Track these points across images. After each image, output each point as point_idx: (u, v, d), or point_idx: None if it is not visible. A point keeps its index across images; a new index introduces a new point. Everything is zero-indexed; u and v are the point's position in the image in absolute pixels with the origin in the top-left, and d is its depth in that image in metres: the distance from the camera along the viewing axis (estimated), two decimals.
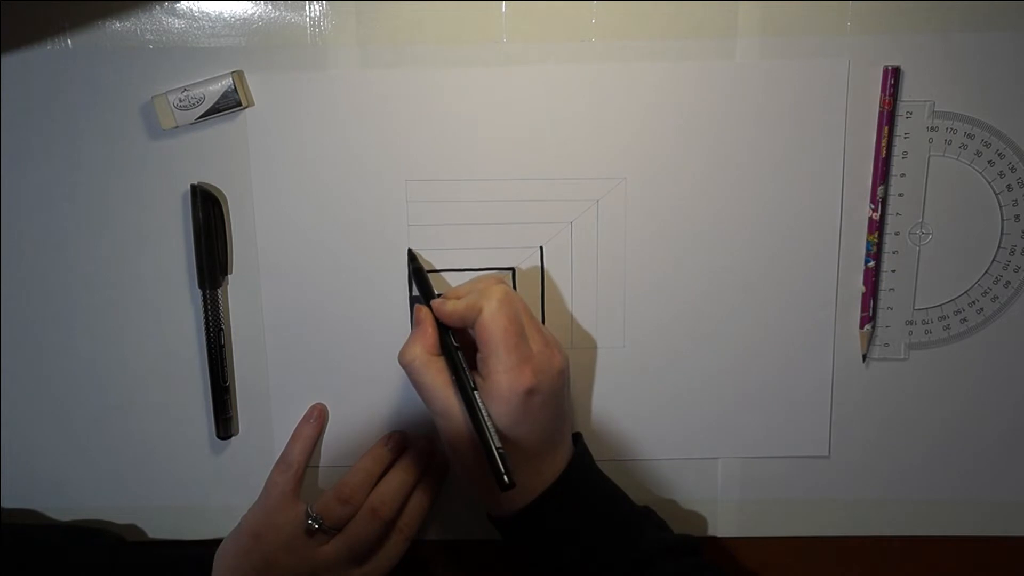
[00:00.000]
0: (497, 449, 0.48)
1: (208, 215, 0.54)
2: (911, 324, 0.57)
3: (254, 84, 0.53)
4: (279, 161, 0.54)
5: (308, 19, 0.53)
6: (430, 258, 0.56)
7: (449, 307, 0.51)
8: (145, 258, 0.56)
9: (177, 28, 0.53)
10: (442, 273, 0.56)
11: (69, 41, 0.53)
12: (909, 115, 0.54)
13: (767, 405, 0.58)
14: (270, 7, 0.53)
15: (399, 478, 0.55)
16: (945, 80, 0.54)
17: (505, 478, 0.47)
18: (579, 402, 0.58)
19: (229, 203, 0.55)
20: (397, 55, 0.53)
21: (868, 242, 0.56)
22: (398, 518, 0.55)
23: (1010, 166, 0.55)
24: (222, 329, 0.56)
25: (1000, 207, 0.55)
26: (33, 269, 0.56)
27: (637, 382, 0.58)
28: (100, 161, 0.54)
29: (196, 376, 0.57)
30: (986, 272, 0.56)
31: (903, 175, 0.55)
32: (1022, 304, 0.57)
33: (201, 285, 0.55)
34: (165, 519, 0.59)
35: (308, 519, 0.53)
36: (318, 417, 0.57)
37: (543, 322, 0.56)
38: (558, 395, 0.51)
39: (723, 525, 0.60)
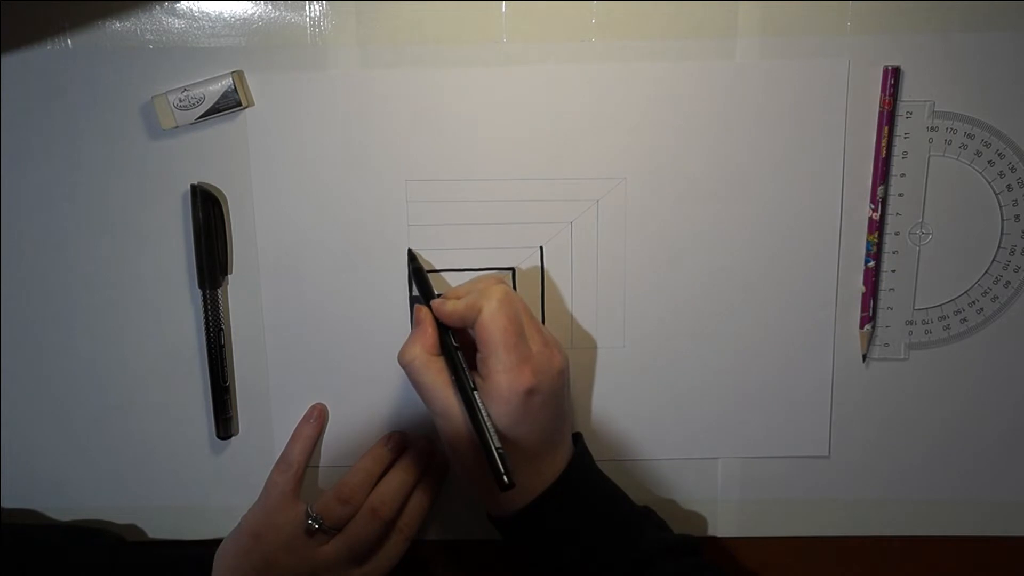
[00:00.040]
0: (497, 449, 0.48)
1: (208, 215, 0.54)
2: (911, 324, 0.57)
3: (254, 84, 0.53)
4: (279, 161, 0.54)
5: (308, 19, 0.53)
6: (430, 258, 0.56)
7: (449, 307, 0.51)
8: (145, 258, 0.56)
9: (177, 28, 0.53)
10: (442, 273, 0.56)
11: (69, 41, 0.53)
12: (909, 115, 0.54)
13: (767, 405, 0.58)
14: (270, 7, 0.53)
15: (399, 478, 0.55)
16: (945, 80, 0.54)
17: (505, 478, 0.47)
18: (579, 402, 0.58)
19: (229, 203, 0.55)
20: (397, 55, 0.53)
21: (868, 242, 0.56)
22: (398, 518, 0.55)
23: (1010, 166, 0.55)
24: (222, 329, 0.56)
25: (1000, 207, 0.55)
26: (33, 269, 0.56)
27: (637, 382, 0.58)
28: (100, 161, 0.54)
29: (196, 376, 0.57)
30: (986, 272, 0.56)
31: (903, 175, 0.55)
32: (1022, 304, 0.57)
33: (201, 285, 0.55)
34: (165, 519, 0.59)
35: (308, 519, 0.53)
36: (318, 417, 0.57)
37: (543, 322, 0.56)
38: (558, 395, 0.51)
39: (723, 525, 0.60)
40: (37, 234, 0.55)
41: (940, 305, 0.57)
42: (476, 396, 0.49)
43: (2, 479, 0.58)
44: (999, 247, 0.56)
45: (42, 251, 0.56)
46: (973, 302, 0.57)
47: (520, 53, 0.53)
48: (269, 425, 0.58)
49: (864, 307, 0.57)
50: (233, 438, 0.58)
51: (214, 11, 0.53)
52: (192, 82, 0.53)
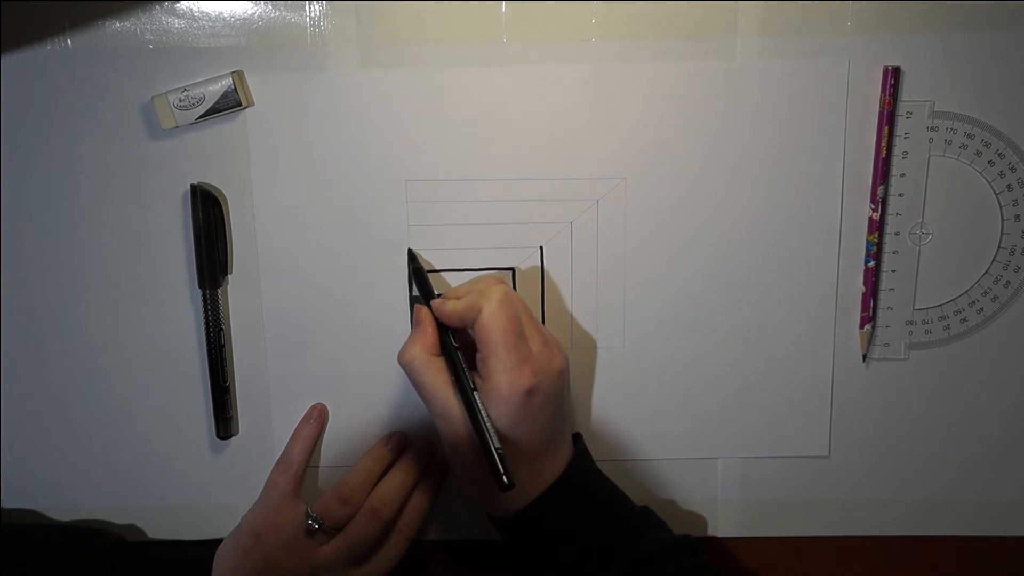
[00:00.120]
0: (496, 450, 0.48)
1: (208, 215, 0.54)
2: (911, 324, 0.57)
3: (254, 84, 0.53)
4: (279, 161, 0.54)
5: (308, 19, 0.53)
6: (430, 258, 0.56)
7: (449, 307, 0.51)
8: (145, 258, 0.56)
9: (177, 28, 0.53)
10: (442, 273, 0.56)
11: (69, 41, 0.53)
12: (909, 115, 0.54)
13: (767, 405, 0.58)
14: (270, 7, 0.53)
15: (399, 478, 0.55)
16: (945, 80, 0.54)
17: (504, 479, 0.47)
18: (579, 402, 0.58)
19: (229, 203, 0.55)
20: (397, 55, 0.53)
21: (868, 242, 0.56)
22: (398, 518, 0.55)
23: (1010, 166, 0.55)
24: (222, 329, 0.56)
25: (1000, 207, 0.55)
26: (33, 269, 0.56)
27: (637, 382, 0.58)
28: (100, 161, 0.54)
29: (196, 376, 0.57)
30: (986, 272, 0.56)
31: (903, 175, 0.55)
32: (1022, 304, 0.57)
33: (201, 285, 0.55)
34: (165, 519, 0.59)
35: (308, 519, 0.53)
36: (318, 417, 0.57)
37: (543, 322, 0.56)
38: (558, 395, 0.51)
39: (723, 525, 0.60)
40: (37, 234, 0.55)
41: (940, 305, 0.57)
42: (476, 396, 0.49)
43: (2, 479, 0.58)
44: (999, 247, 0.56)
45: (42, 251, 0.56)
46: (973, 302, 0.57)
47: (520, 53, 0.53)
48: (269, 425, 0.58)
49: (864, 307, 0.57)
50: (233, 438, 0.58)
51: (214, 11, 0.53)
52: (192, 82, 0.53)
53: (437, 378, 0.50)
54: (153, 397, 0.57)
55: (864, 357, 0.57)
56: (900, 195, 0.55)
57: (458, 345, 0.51)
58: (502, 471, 0.47)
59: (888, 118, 0.54)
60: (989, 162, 0.55)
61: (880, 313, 0.57)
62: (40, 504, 0.59)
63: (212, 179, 0.55)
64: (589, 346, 0.57)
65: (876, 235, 0.55)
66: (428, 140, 0.54)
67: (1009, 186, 0.55)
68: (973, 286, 0.57)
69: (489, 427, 0.48)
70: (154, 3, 0.53)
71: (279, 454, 0.57)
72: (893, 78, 0.53)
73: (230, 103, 0.53)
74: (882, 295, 0.57)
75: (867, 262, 0.56)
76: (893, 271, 0.56)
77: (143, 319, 0.56)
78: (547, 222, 0.55)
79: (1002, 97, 0.54)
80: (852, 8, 0.53)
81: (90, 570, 0.54)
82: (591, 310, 0.57)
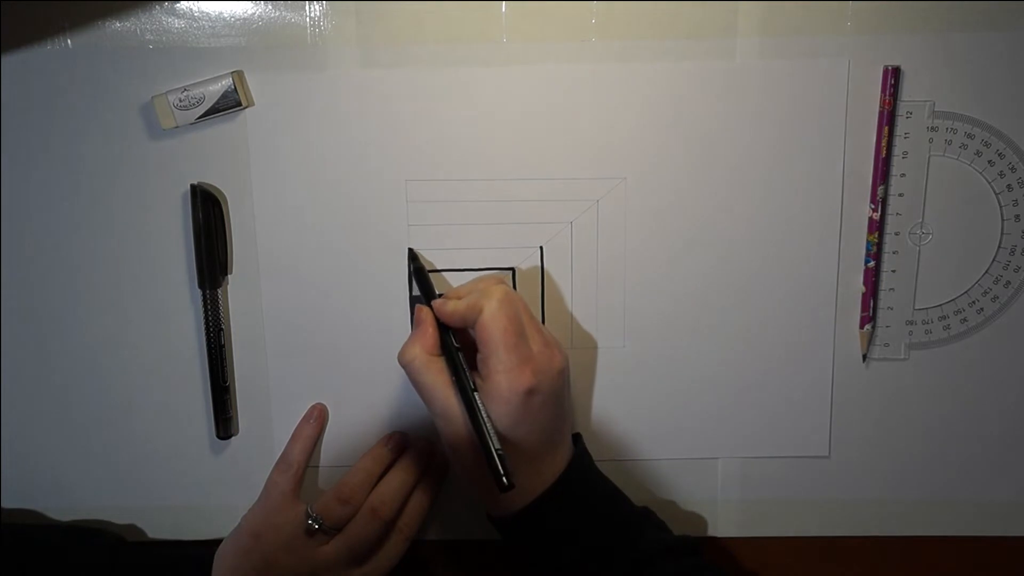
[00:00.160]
0: (496, 451, 0.48)
1: (208, 215, 0.54)
2: (911, 324, 0.57)
3: (254, 84, 0.53)
4: (279, 161, 0.54)
5: (308, 19, 0.53)
6: (430, 258, 0.56)
7: (450, 307, 0.51)
8: (145, 258, 0.56)
9: (177, 28, 0.53)
10: (442, 273, 0.56)
11: (69, 41, 0.53)
12: (909, 115, 0.54)
13: (767, 405, 0.58)
14: (270, 7, 0.53)
15: (399, 478, 0.55)
16: (945, 80, 0.54)
17: (504, 480, 0.47)
18: (579, 402, 0.58)
19: (229, 203, 0.55)
20: (397, 55, 0.53)
21: (868, 242, 0.56)
22: (398, 518, 0.55)
23: (1010, 166, 0.55)
24: (222, 329, 0.56)
25: (1000, 207, 0.55)
26: (33, 269, 0.56)
27: (637, 382, 0.58)
28: (100, 161, 0.54)
29: (196, 376, 0.57)
30: (986, 272, 0.56)
31: (903, 175, 0.55)
32: (1022, 304, 0.57)
33: (201, 285, 0.55)
34: (165, 519, 0.59)
35: (308, 519, 0.53)
36: (318, 417, 0.57)
37: (543, 322, 0.56)
38: (558, 395, 0.51)
39: (723, 525, 0.60)
40: (37, 234, 0.55)
41: (940, 305, 0.57)
42: (476, 397, 0.49)
43: (2, 479, 0.58)
44: (999, 247, 0.56)
45: (42, 251, 0.56)
46: (973, 302, 0.57)
47: (520, 53, 0.53)
48: (269, 425, 0.58)
49: (864, 307, 0.57)
50: (233, 438, 0.58)
51: (214, 11, 0.53)
52: (192, 82, 0.53)
53: (437, 378, 0.50)
54: (153, 397, 0.57)
55: (864, 357, 0.57)
56: (900, 195, 0.55)
57: (459, 345, 0.51)
58: (502, 472, 0.47)
59: (888, 118, 0.54)
60: (989, 162, 0.55)
61: (880, 313, 0.57)
62: (40, 504, 0.59)
63: (212, 179, 0.55)
64: (589, 346, 0.57)
65: (876, 235, 0.55)
66: (428, 140, 0.54)
67: (1009, 186, 0.55)
68: (973, 286, 0.57)
69: (489, 427, 0.48)
70: (154, 3, 0.53)
71: (279, 454, 0.57)
72: (893, 78, 0.53)
73: (230, 103, 0.53)
74: (882, 295, 0.57)
75: (867, 262, 0.56)
76: (893, 271, 0.56)
77: (143, 319, 0.56)
78: (547, 222, 0.55)
79: (1002, 97, 0.54)
80: (852, 8, 0.53)
81: (90, 570, 0.54)
82: (591, 310, 0.57)
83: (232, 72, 0.53)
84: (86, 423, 0.58)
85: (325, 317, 0.56)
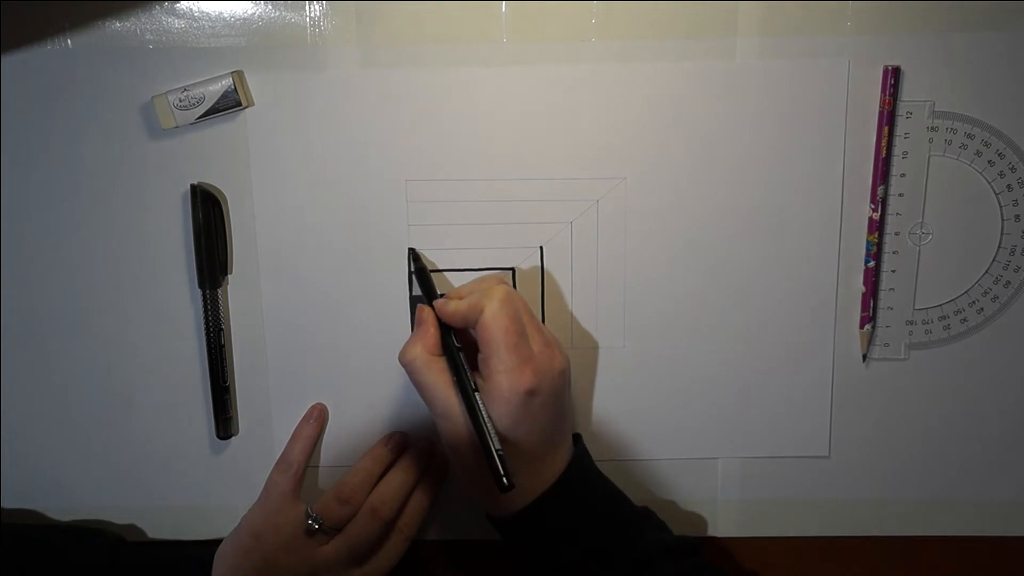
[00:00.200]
0: (497, 451, 0.48)
1: (208, 215, 0.54)
2: (911, 324, 0.57)
3: (254, 84, 0.53)
4: (279, 161, 0.54)
5: (308, 19, 0.53)
6: (430, 257, 0.56)
7: (451, 307, 0.51)
8: (145, 258, 0.56)
9: (177, 28, 0.53)
10: (443, 273, 0.56)
11: (69, 41, 0.53)
12: (909, 115, 0.54)
13: (767, 405, 0.58)
14: (270, 7, 0.53)
15: (399, 478, 0.55)
16: (945, 80, 0.54)
17: (504, 480, 0.47)
18: (579, 402, 0.58)
19: (229, 203, 0.55)
20: (397, 55, 0.53)
21: (868, 242, 0.56)
22: (398, 518, 0.55)
23: (1010, 166, 0.55)
24: (222, 329, 0.56)
25: (1000, 207, 0.55)
26: (33, 269, 0.56)
27: (637, 382, 0.58)
28: (100, 161, 0.54)
29: (196, 376, 0.57)
30: (986, 272, 0.56)
31: (903, 175, 0.55)
32: (1022, 304, 0.57)
33: (201, 285, 0.55)
34: (165, 519, 0.59)
35: (308, 519, 0.53)
36: (318, 417, 0.57)
37: (543, 322, 0.56)
38: (559, 396, 0.51)
39: (723, 525, 0.60)
40: (37, 234, 0.55)
41: (940, 305, 0.57)
42: (477, 397, 0.49)
43: (2, 479, 0.58)
44: (999, 247, 0.56)
45: (42, 251, 0.56)
46: (973, 302, 0.57)
47: (520, 53, 0.53)
48: (269, 425, 0.58)
49: (864, 307, 0.57)
50: (233, 438, 0.58)
51: (214, 11, 0.53)
52: (192, 82, 0.53)
53: (438, 378, 0.50)
54: (153, 397, 0.57)
55: (864, 357, 0.57)
56: (900, 195, 0.55)
57: (459, 345, 0.51)
58: (502, 472, 0.47)
59: (888, 118, 0.54)
60: (989, 162, 0.55)
61: (880, 313, 0.57)
62: (40, 504, 0.59)
63: (212, 179, 0.55)
64: (589, 346, 0.57)
65: (876, 235, 0.55)
66: (428, 140, 0.54)
67: (1009, 186, 0.55)
68: (973, 286, 0.57)
69: (489, 428, 0.48)
70: (154, 3, 0.53)
71: (279, 454, 0.57)
72: (893, 78, 0.53)
73: (230, 103, 0.53)
74: (882, 295, 0.57)
75: (867, 262, 0.56)
76: (893, 271, 0.56)
77: (143, 319, 0.56)
78: (547, 222, 0.55)
79: (1002, 97, 0.54)
80: (852, 8, 0.53)
81: (90, 570, 0.54)
82: (591, 310, 0.57)
83: (232, 72, 0.53)
84: (86, 423, 0.58)
85: (325, 317, 0.56)
